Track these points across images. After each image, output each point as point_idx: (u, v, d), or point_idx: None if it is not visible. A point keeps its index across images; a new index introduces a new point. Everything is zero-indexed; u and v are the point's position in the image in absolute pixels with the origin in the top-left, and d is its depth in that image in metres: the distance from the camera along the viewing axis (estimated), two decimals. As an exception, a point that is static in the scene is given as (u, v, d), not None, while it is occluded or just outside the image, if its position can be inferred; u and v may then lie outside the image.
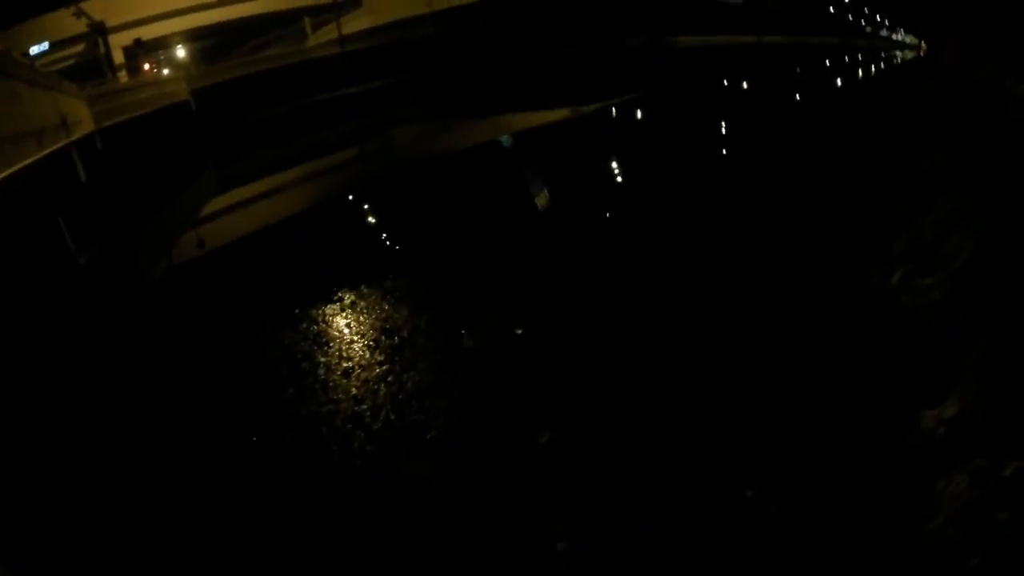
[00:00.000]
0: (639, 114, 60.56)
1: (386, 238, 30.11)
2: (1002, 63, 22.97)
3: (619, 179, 37.10)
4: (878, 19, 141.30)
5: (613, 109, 60.82)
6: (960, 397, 10.77)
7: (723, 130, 51.66)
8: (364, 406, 15.61)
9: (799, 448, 12.20)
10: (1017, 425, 9.58)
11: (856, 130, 39.89)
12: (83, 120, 34.84)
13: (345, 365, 17.72)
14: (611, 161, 40.25)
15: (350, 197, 37.52)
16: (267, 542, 11.70)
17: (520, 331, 18.55)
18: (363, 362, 17.74)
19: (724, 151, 44.28)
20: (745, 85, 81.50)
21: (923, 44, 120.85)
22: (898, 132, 32.97)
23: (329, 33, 69.01)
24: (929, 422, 10.88)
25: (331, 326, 20.36)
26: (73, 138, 31.67)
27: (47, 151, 23.84)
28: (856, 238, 20.25)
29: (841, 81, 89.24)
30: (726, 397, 14.20)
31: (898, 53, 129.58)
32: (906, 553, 9.20)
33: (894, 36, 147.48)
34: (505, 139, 49.82)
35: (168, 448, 14.67)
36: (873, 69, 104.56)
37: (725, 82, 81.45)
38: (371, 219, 33.87)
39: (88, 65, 54.48)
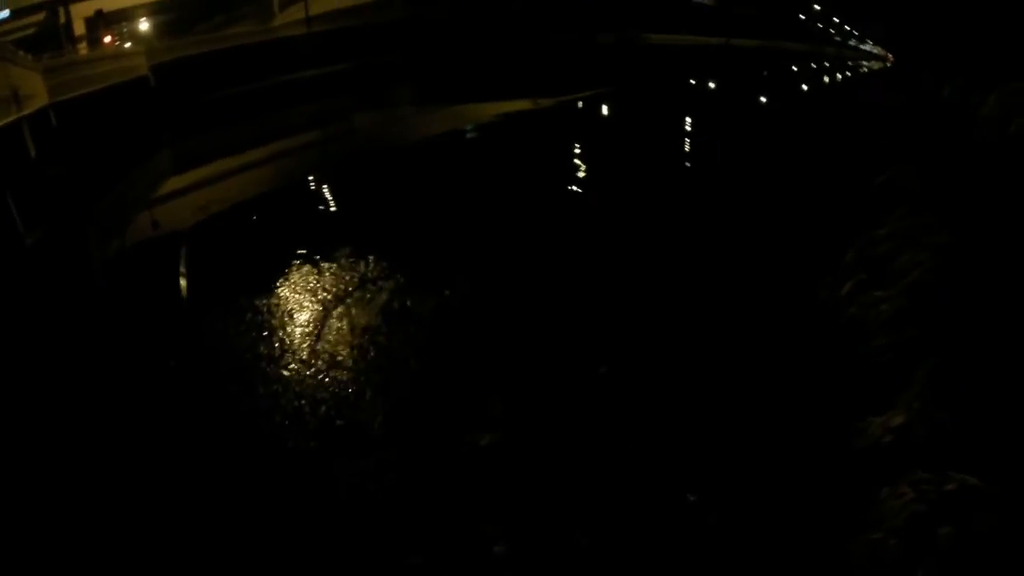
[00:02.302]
0: (602, 109, 61.01)
1: (336, 223, 30.26)
2: (969, 82, 23.50)
3: (575, 173, 37.44)
4: (847, 29, 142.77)
5: (578, 103, 61.21)
6: (907, 407, 11.01)
7: (685, 130, 52.21)
8: (303, 402, 15.85)
9: (745, 450, 12.69)
10: (962, 440, 9.90)
11: (818, 138, 40.69)
12: (37, 93, 34.57)
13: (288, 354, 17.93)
14: (570, 155, 40.76)
15: (304, 181, 37.48)
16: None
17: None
18: (307, 351, 17.89)
19: (684, 151, 44.80)
20: (711, 85, 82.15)
21: (889, 56, 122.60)
22: (860, 141, 33.63)
23: (297, 12, 68.61)
24: (876, 429, 11.12)
25: (277, 312, 20.53)
26: (24, 112, 31.45)
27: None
28: (812, 248, 20.78)
29: (807, 88, 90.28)
30: (674, 401, 14.66)
31: (865, 63, 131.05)
32: (843, 565, 9.40)
33: (862, 47, 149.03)
34: (467, 128, 49.94)
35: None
36: (839, 77, 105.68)
37: (692, 81, 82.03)
38: (323, 204, 33.95)
39: (47, 35, 53.63)
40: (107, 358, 17.90)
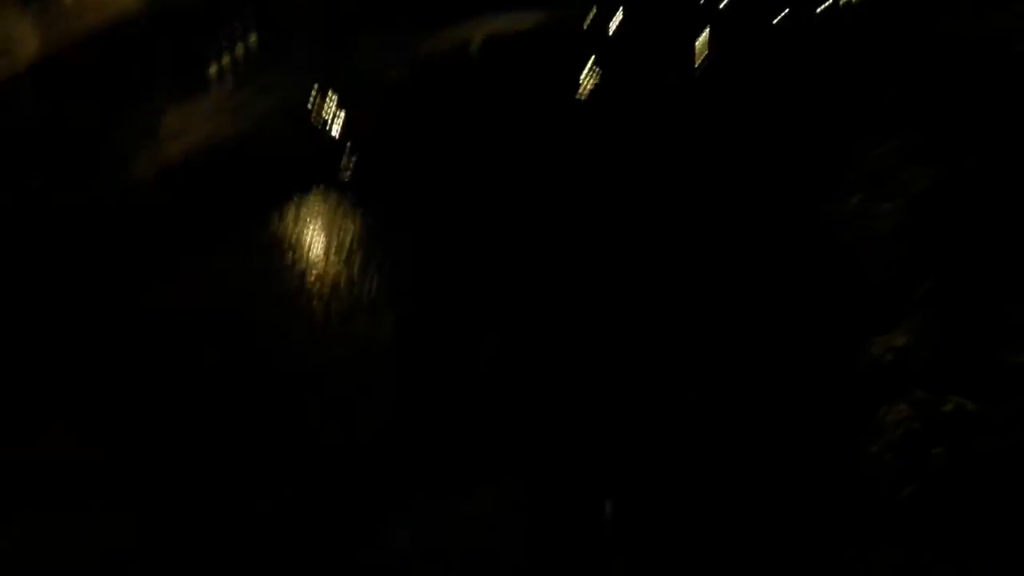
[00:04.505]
0: (604, 28, 59.29)
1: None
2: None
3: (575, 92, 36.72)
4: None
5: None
6: (909, 328, 10.98)
7: (691, 54, 51.04)
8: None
9: (750, 374, 12.60)
10: (961, 362, 9.92)
11: (819, 64, 39.86)
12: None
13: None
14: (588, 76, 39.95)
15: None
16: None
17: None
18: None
19: (691, 76, 43.87)
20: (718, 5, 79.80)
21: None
22: (862, 66, 32.92)
23: None
24: (878, 348, 11.05)
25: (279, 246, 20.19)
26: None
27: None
28: (814, 172, 20.43)
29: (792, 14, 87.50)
30: (673, 316, 14.54)
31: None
32: (844, 477, 9.56)
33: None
34: (473, 48, 48.75)
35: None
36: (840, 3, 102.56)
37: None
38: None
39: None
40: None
